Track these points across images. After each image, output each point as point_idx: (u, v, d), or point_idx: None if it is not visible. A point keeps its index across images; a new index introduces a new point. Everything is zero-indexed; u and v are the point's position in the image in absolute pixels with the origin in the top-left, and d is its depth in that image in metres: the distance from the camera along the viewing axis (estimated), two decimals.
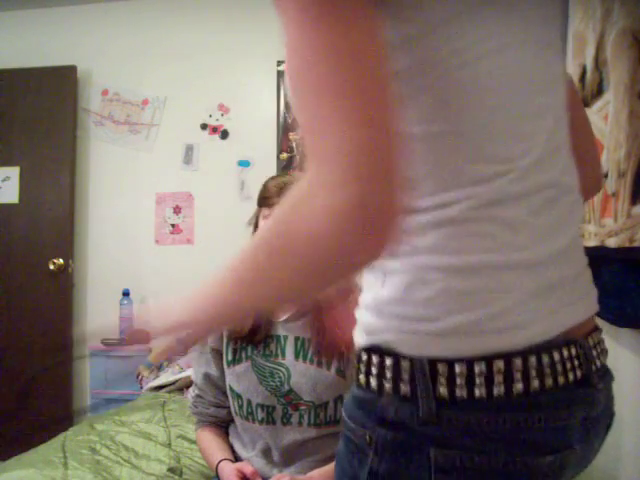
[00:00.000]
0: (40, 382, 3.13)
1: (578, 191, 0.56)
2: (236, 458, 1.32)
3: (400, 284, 0.51)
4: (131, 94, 3.32)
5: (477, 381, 0.48)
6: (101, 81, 3.34)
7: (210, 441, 1.35)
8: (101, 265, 3.30)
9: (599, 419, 0.55)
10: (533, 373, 0.48)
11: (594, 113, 1.29)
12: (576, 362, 0.51)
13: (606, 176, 1.20)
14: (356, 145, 0.39)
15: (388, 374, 0.51)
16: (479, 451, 0.48)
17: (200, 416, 1.39)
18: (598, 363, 0.55)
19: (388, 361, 0.51)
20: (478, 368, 0.48)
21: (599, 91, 1.26)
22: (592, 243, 1.28)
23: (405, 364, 0.50)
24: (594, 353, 0.54)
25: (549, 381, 0.49)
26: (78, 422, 2.87)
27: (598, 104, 1.27)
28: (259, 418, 1.28)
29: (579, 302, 0.54)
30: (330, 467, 1.22)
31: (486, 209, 0.49)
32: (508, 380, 0.48)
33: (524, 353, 0.48)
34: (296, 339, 1.28)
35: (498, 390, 0.48)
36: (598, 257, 1.25)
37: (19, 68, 3.25)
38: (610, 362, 1.40)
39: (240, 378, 1.29)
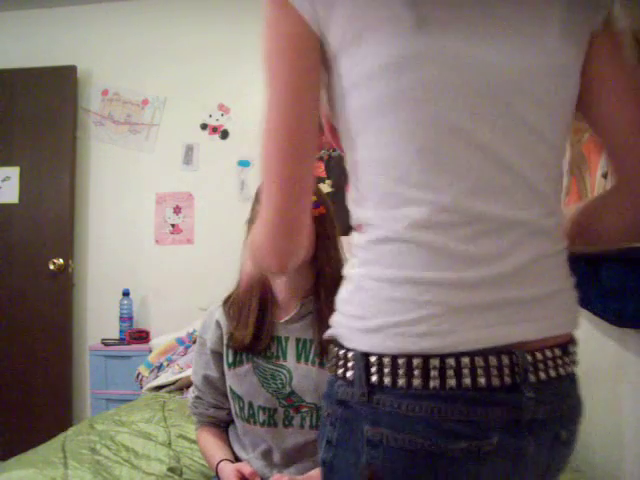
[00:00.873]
0: (40, 382, 3.13)
1: (543, 225, 0.62)
2: (236, 459, 1.32)
3: (349, 288, 0.64)
4: (131, 94, 3.32)
5: (400, 372, 0.57)
6: (101, 81, 3.34)
7: (210, 441, 1.35)
8: (101, 265, 3.30)
9: (542, 425, 0.60)
10: (450, 373, 0.56)
11: None
12: (506, 370, 0.57)
13: (606, 176, 1.20)
14: (273, 214, 0.62)
15: (340, 362, 0.63)
16: (401, 431, 0.57)
17: (200, 417, 1.39)
18: (542, 375, 0.60)
19: (341, 352, 0.63)
20: (401, 362, 0.57)
21: None
22: None
23: (350, 354, 0.61)
24: (540, 366, 0.60)
25: (466, 381, 0.56)
26: (78, 422, 2.87)
27: None
28: (260, 420, 1.27)
29: (531, 322, 0.60)
30: None
31: (417, 232, 0.58)
32: (425, 375, 0.57)
33: (443, 356, 0.56)
34: (297, 340, 1.27)
35: (417, 382, 0.57)
36: (598, 257, 1.25)
37: (19, 68, 3.25)
38: (611, 362, 1.41)
39: (241, 380, 1.28)
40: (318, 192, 1.29)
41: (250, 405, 1.27)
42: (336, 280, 1.31)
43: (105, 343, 3.08)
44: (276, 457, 1.27)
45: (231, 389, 1.31)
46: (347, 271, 0.66)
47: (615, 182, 0.70)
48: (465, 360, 0.56)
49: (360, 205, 0.64)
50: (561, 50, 0.62)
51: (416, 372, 0.57)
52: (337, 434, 0.62)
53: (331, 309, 1.26)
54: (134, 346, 3.03)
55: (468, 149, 0.58)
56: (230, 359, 1.31)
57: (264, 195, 0.63)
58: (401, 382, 0.57)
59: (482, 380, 0.56)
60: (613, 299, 1.22)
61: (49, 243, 3.20)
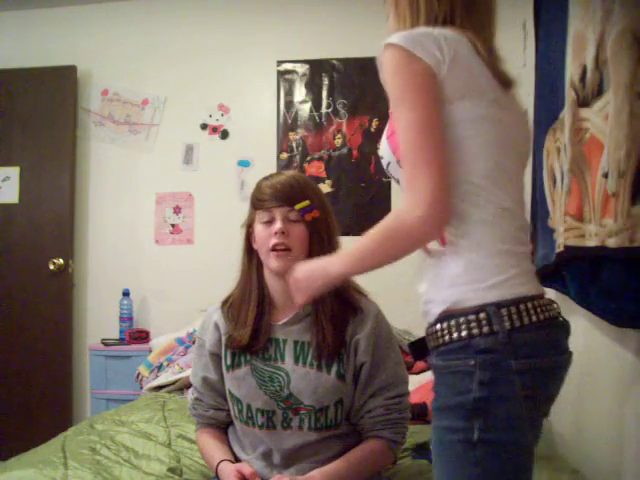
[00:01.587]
0: (40, 382, 3.13)
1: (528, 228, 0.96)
2: (236, 459, 1.32)
3: (461, 264, 0.86)
4: (131, 94, 3.32)
5: (522, 314, 0.83)
6: (101, 81, 3.34)
7: (210, 443, 1.35)
8: (101, 265, 3.30)
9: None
10: (545, 308, 0.86)
11: (594, 113, 1.29)
12: (555, 306, 0.89)
13: (606, 176, 1.20)
14: (430, 188, 0.82)
15: (473, 323, 0.83)
16: (535, 357, 0.82)
17: (199, 418, 1.39)
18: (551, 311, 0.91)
19: (471, 315, 0.83)
20: (521, 307, 0.83)
21: (599, 91, 1.26)
22: (592, 243, 1.28)
23: (482, 314, 0.82)
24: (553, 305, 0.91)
25: (548, 313, 0.86)
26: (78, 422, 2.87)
27: (598, 104, 1.26)
28: (259, 423, 1.27)
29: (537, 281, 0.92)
30: (330, 467, 1.22)
31: (499, 217, 0.87)
32: (535, 312, 0.83)
33: (533, 298, 0.85)
34: (295, 343, 1.27)
35: (534, 318, 0.83)
36: (598, 257, 1.25)
37: (19, 68, 3.25)
38: (612, 362, 1.41)
39: (240, 383, 1.28)
40: (311, 195, 1.27)
41: (249, 407, 1.27)
42: None
43: (105, 343, 3.08)
44: (276, 458, 1.27)
45: (230, 392, 1.31)
46: (446, 256, 0.89)
47: None
48: (542, 300, 0.87)
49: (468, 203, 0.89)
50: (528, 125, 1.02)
51: (531, 311, 0.83)
52: (490, 375, 0.81)
53: (326, 311, 1.27)
54: (134, 346, 3.03)
55: (509, 180, 0.91)
56: (228, 361, 1.30)
57: (418, 182, 0.83)
58: (526, 320, 0.82)
59: (553, 312, 0.87)
60: (613, 299, 1.22)
61: (49, 243, 3.20)
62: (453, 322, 0.84)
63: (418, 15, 0.95)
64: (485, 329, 0.82)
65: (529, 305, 0.83)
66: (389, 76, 0.87)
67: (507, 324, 0.81)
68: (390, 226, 0.86)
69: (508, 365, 0.80)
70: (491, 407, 0.80)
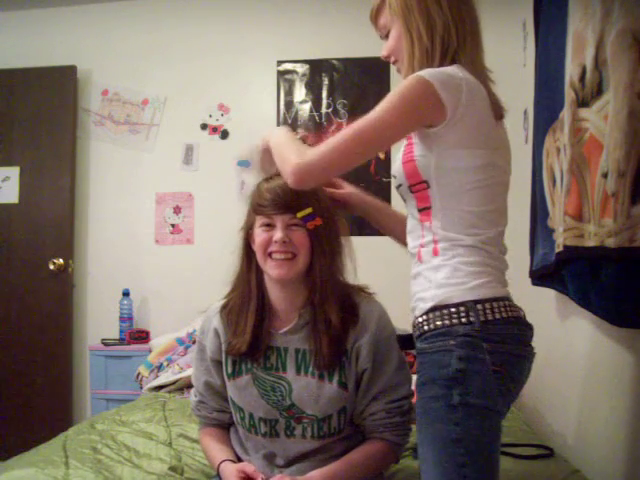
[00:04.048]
0: (40, 382, 3.13)
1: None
2: (238, 459, 1.31)
3: (448, 271, 1.03)
4: (131, 94, 3.32)
5: (495, 310, 1.00)
6: (101, 81, 3.34)
7: (212, 442, 1.34)
8: (101, 265, 3.30)
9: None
10: (512, 308, 1.03)
11: (594, 113, 1.29)
12: (512, 308, 1.04)
13: (606, 176, 1.20)
14: (320, 168, 1.03)
15: (454, 315, 1.01)
16: (503, 343, 0.99)
17: (203, 419, 1.38)
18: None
19: (453, 309, 1.01)
20: (495, 304, 1.01)
21: (599, 91, 1.26)
22: (592, 243, 1.28)
23: (462, 308, 1.00)
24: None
25: (514, 313, 1.03)
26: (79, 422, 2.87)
27: (598, 104, 1.27)
28: (262, 431, 1.26)
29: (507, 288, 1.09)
30: (331, 467, 1.21)
31: (483, 244, 1.04)
32: (505, 310, 1.01)
33: (503, 299, 1.03)
34: (296, 351, 1.25)
35: (504, 315, 1.01)
36: (598, 257, 1.25)
37: (19, 68, 3.26)
38: (611, 362, 1.41)
39: (241, 392, 1.27)
40: (313, 201, 1.21)
41: (251, 416, 1.26)
42: (329, 291, 1.26)
43: (105, 343, 3.09)
44: (279, 460, 1.27)
45: (232, 399, 1.29)
46: (434, 264, 1.05)
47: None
48: (511, 301, 1.05)
49: (445, 229, 1.05)
50: None
51: (501, 309, 1.01)
52: (466, 352, 0.97)
53: (323, 319, 1.23)
54: (134, 346, 3.03)
55: (500, 215, 1.08)
56: (229, 369, 1.29)
57: (325, 155, 1.01)
58: (497, 315, 1.00)
59: (517, 313, 1.04)
60: (613, 299, 1.22)
61: (49, 243, 3.20)
62: (438, 313, 1.02)
63: (434, 33, 1.05)
64: (464, 319, 1.00)
65: (500, 304, 1.01)
66: (400, 88, 0.99)
67: (482, 317, 0.99)
68: (288, 150, 1.08)
69: (480, 346, 0.98)
70: (467, 377, 0.97)
